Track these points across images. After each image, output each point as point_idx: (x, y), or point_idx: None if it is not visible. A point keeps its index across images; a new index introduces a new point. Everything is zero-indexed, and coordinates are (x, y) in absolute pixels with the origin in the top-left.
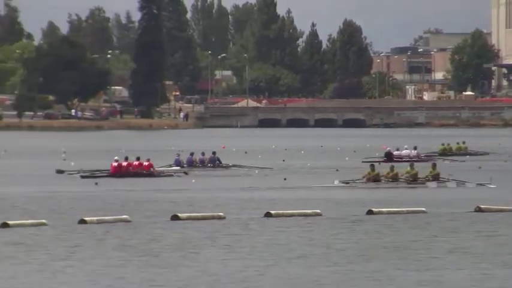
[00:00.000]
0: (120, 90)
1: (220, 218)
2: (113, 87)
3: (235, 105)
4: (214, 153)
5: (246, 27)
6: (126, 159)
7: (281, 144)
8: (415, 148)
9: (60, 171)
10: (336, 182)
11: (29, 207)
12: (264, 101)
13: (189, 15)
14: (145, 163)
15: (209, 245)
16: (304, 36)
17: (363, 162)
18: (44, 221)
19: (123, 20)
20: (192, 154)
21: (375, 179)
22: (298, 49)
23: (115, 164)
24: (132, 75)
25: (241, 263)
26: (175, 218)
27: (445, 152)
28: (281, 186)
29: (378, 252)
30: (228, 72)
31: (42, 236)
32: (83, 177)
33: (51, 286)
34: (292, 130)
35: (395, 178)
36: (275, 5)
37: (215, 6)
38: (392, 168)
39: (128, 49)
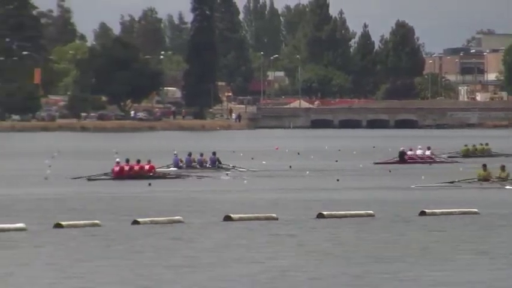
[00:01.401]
0: (173, 91)
1: (273, 219)
2: (165, 88)
3: (288, 106)
4: (214, 153)
5: (298, 28)
6: (128, 161)
7: (334, 145)
8: (428, 148)
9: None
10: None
11: (83, 208)
12: (316, 102)
13: (241, 16)
14: (146, 166)
15: (264, 245)
16: (357, 37)
17: (375, 164)
18: (97, 221)
19: (176, 21)
20: (190, 154)
21: (485, 178)
22: (351, 50)
23: (117, 167)
24: (184, 76)
25: (292, 263)
26: (228, 218)
27: (468, 154)
28: (334, 187)
29: (422, 253)
30: (281, 73)
31: (97, 236)
32: (89, 179)
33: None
34: (345, 131)
35: (504, 178)
36: (327, 6)
37: (267, 7)
38: (503, 168)
39: (180, 50)
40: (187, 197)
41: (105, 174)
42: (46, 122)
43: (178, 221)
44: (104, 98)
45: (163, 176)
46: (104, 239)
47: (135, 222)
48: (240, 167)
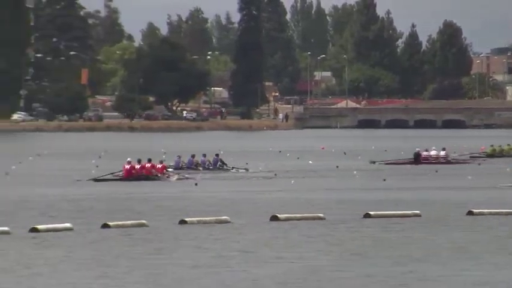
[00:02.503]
0: (220, 91)
1: (320, 218)
2: (212, 88)
3: (335, 106)
4: (217, 155)
5: (345, 28)
6: (139, 161)
7: (381, 145)
8: (443, 149)
9: (96, 180)
10: None
11: (129, 208)
12: (363, 102)
13: (288, 16)
14: (159, 165)
15: (310, 244)
16: (404, 37)
17: (386, 164)
18: (144, 221)
19: (223, 21)
20: (193, 156)
21: None
22: (398, 50)
23: (127, 166)
24: (231, 76)
25: (339, 264)
26: (274, 218)
27: (494, 154)
28: (379, 187)
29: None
30: (327, 73)
31: (145, 235)
32: (96, 180)
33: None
34: (392, 131)
35: None
36: (375, 5)
37: (314, 7)
38: None
39: (227, 50)
40: (234, 197)
41: (112, 173)
42: (93, 122)
43: (226, 221)
44: (151, 98)
45: (170, 178)
46: (152, 238)
47: (182, 222)
48: (241, 168)
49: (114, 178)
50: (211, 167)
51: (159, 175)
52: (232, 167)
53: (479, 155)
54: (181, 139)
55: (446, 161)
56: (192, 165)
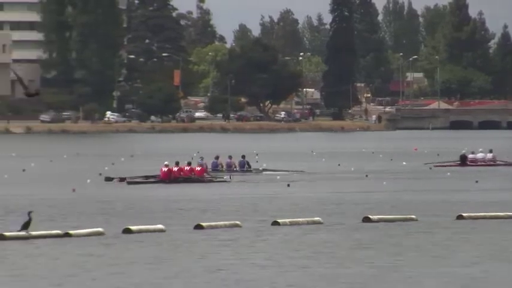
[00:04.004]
0: (312, 92)
1: (411, 220)
2: (304, 90)
3: (427, 107)
4: (243, 156)
5: (437, 29)
6: (177, 164)
7: (473, 147)
8: (490, 151)
9: (109, 179)
10: None
11: (222, 209)
12: (455, 103)
13: (380, 17)
14: (198, 168)
15: (400, 246)
16: (496, 38)
17: (435, 166)
18: (237, 222)
19: (315, 22)
20: (217, 158)
21: None
22: (490, 51)
23: (165, 168)
24: (323, 77)
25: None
26: (366, 220)
27: None
28: (474, 189)
29: None
30: (419, 74)
31: (238, 236)
32: (129, 183)
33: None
34: (484, 132)
35: None
36: (467, 7)
37: (406, 8)
38: None
39: (319, 51)
40: (325, 198)
41: (145, 177)
42: (186, 123)
43: (318, 222)
44: (243, 100)
45: (210, 181)
46: (245, 239)
47: (275, 223)
48: (269, 169)
49: (147, 181)
50: (237, 169)
51: (205, 176)
52: (263, 169)
53: None
54: (273, 140)
55: (493, 163)
56: (218, 167)
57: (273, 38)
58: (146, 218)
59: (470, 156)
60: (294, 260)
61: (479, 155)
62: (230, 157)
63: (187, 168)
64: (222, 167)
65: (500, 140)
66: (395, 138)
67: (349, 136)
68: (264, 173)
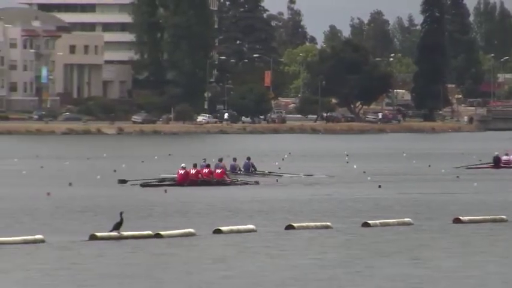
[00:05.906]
0: (403, 93)
1: (502, 220)
2: (395, 91)
3: None
4: (248, 158)
5: None
6: (195, 166)
7: None
8: None
9: (122, 181)
10: None
11: (311, 210)
12: None
13: (471, 17)
14: (218, 171)
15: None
16: None
17: (467, 168)
18: (328, 223)
19: (405, 23)
20: (220, 160)
21: None
22: None
23: (182, 171)
24: (414, 78)
25: None
26: (457, 221)
27: None
28: None
29: None
30: (511, 75)
31: (330, 238)
32: (143, 185)
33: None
34: None
35: None
36: None
37: (497, 8)
38: None
39: (410, 52)
40: (416, 199)
41: (160, 180)
42: (276, 124)
43: (409, 223)
44: (333, 100)
45: (231, 184)
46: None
47: (365, 225)
48: (276, 173)
49: (161, 184)
50: (241, 172)
51: (226, 179)
52: (269, 172)
53: None
54: (364, 141)
55: None
56: (236, 170)
57: (363, 39)
58: (234, 218)
59: (504, 158)
60: (383, 262)
61: None
62: (235, 159)
63: (206, 170)
64: (240, 169)
65: None
66: (486, 139)
67: (440, 137)
68: (269, 176)
